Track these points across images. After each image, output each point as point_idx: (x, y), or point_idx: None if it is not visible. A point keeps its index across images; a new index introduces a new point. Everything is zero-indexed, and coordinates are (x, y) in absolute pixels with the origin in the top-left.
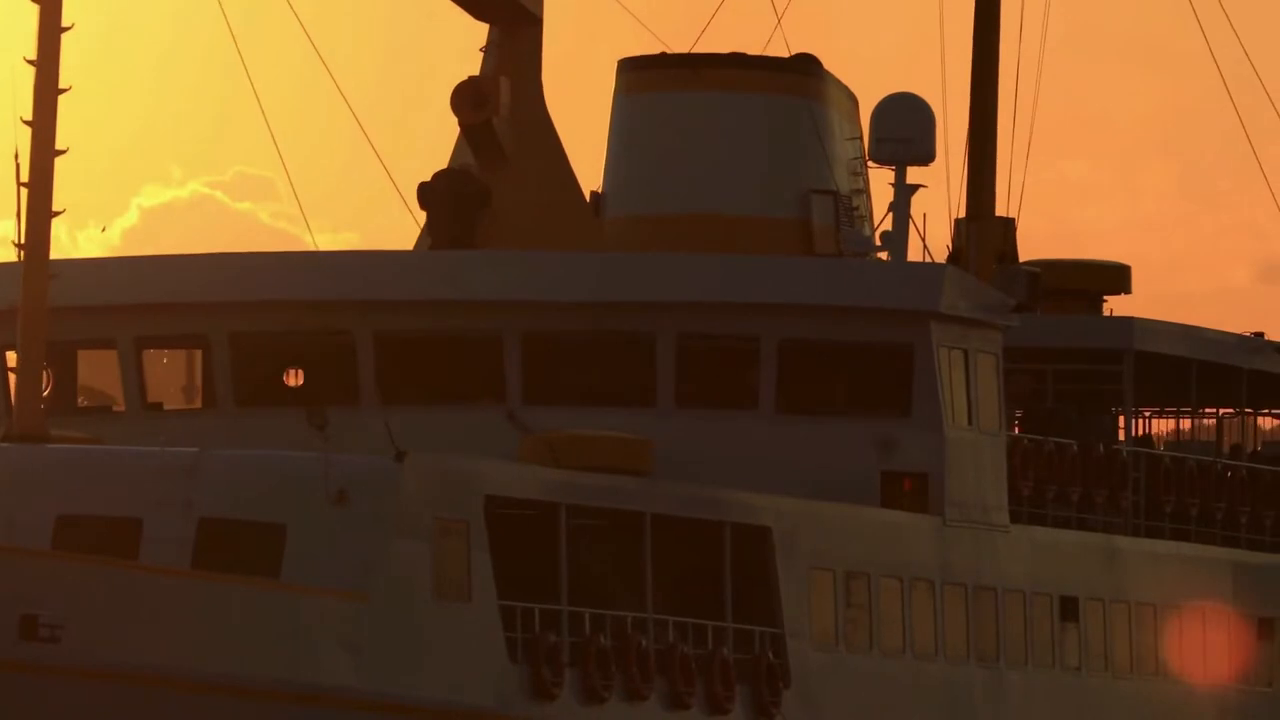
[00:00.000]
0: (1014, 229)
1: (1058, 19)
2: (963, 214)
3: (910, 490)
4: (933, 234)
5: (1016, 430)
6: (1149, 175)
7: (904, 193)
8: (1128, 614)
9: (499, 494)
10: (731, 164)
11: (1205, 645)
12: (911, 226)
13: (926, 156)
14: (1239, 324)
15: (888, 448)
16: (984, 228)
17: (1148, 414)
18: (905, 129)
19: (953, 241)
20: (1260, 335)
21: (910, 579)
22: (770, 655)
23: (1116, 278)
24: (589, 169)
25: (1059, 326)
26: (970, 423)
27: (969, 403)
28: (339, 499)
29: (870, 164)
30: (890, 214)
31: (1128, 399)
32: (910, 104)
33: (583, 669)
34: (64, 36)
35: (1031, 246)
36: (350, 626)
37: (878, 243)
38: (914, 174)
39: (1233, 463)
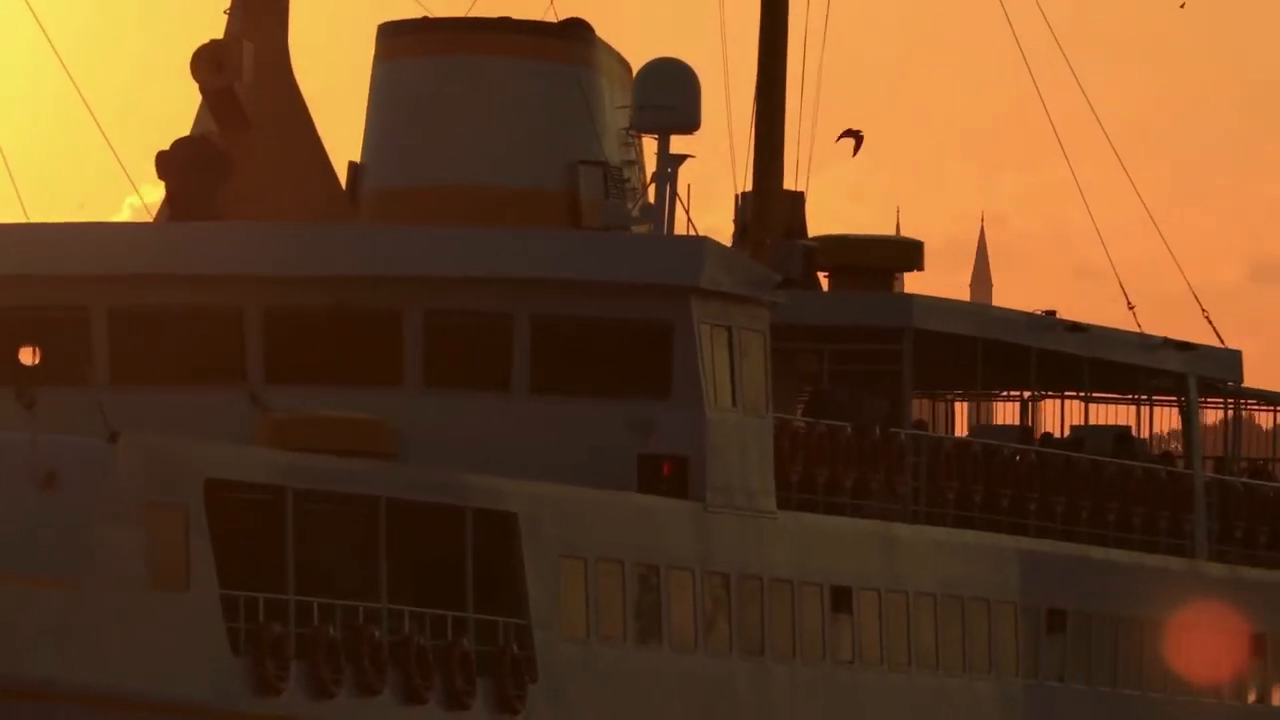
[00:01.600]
0: (802, 203)
1: (1052, 17)
2: (750, 188)
3: (669, 474)
4: (721, 208)
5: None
6: (1141, 175)
7: (667, 162)
8: (905, 605)
9: (222, 477)
10: (495, 134)
11: (990, 638)
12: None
13: (690, 124)
14: (1233, 323)
15: (645, 430)
16: (770, 202)
17: (951, 396)
18: (668, 96)
19: (738, 216)
20: (1052, 313)
21: (668, 567)
22: (515, 647)
23: (908, 254)
24: (349, 139)
25: (836, 304)
26: (734, 404)
27: (733, 382)
28: (47, 481)
29: (633, 132)
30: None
31: (907, 379)
32: (673, 69)
33: (310, 661)
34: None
35: (824, 220)
36: (58, 615)
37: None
38: (685, 144)
39: (1020, 447)
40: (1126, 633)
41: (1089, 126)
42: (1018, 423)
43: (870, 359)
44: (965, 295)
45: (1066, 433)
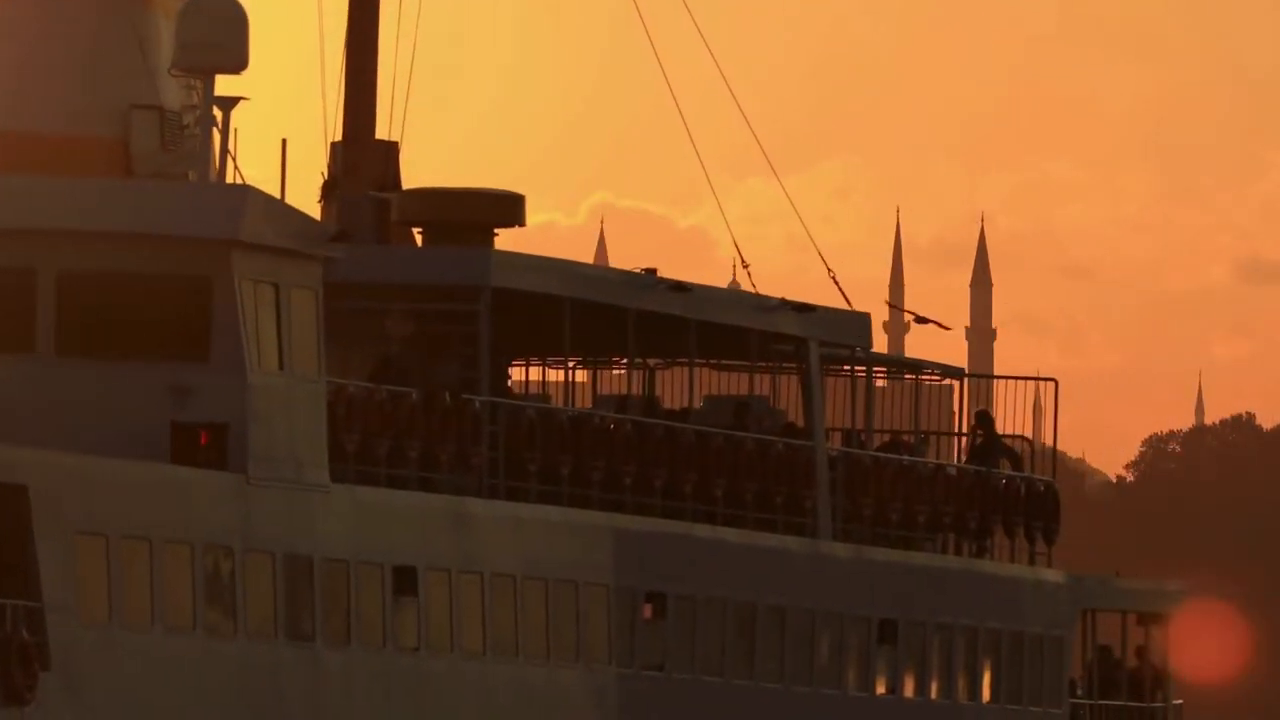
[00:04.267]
0: (396, 153)
1: (1039, 14)
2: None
3: (206, 444)
4: (309, 160)
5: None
6: (1131, 175)
7: (213, 105)
8: (480, 588)
9: None
10: (38, 76)
11: (579, 623)
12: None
13: (238, 64)
14: (1221, 324)
15: (181, 395)
16: (361, 153)
17: (573, 364)
18: (213, 33)
19: (329, 167)
20: (652, 271)
21: (204, 546)
22: (25, 633)
23: (506, 209)
24: None
25: (409, 260)
26: (281, 367)
27: (280, 344)
28: None
29: (175, 73)
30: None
31: (484, 341)
32: (219, 4)
33: None
34: None
35: (419, 173)
36: None
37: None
38: (237, 85)
39: (616, 416)
40: (737, 618)
41: (1079, 126)
42: (642, 392)
43: (444, 319)
44: (965, 297)
45: (698, 403)
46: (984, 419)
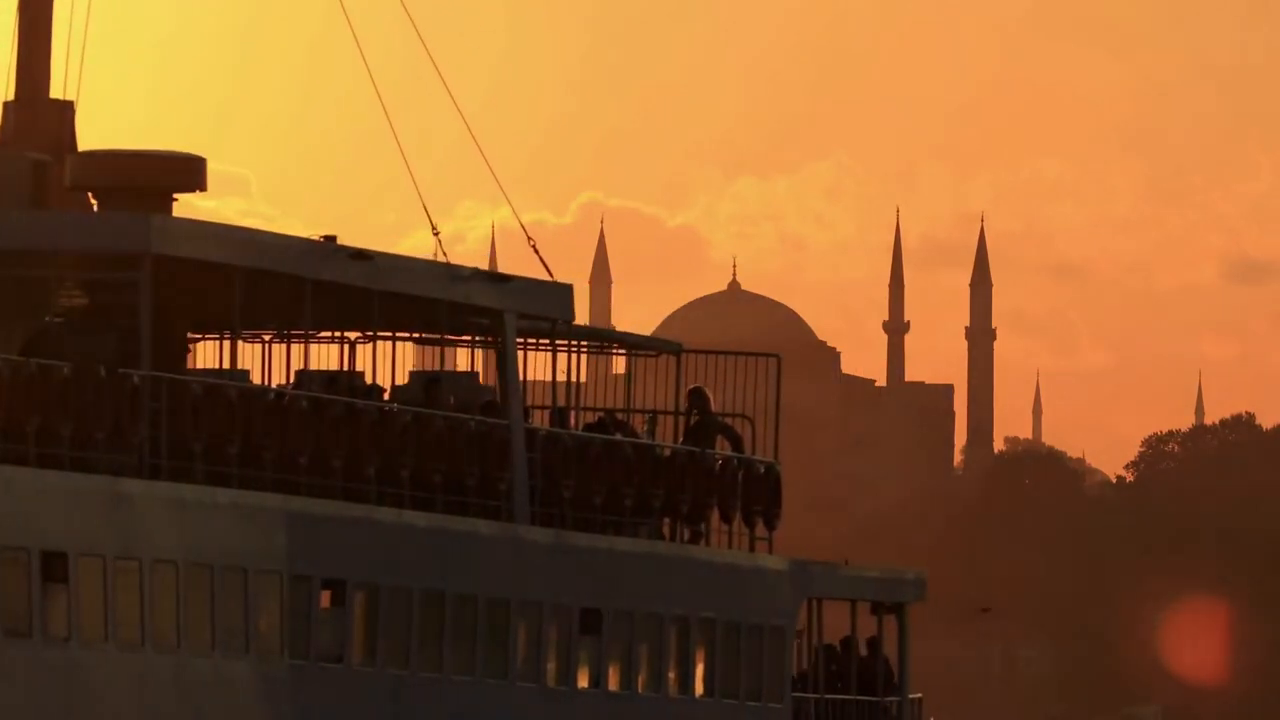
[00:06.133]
0: (73, 113)
1: (1031, 14)
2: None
3: None
4: None
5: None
6: (1122, 174)
7: None
8: (138, 574)
9: None
10: None
11: (248, 613)
12: None
13: None
14: (1213, 324)
15: None
16: (35, 113)
17: (270, 338)
18: None
19: (0, 129)
20: (332, 239)
21: None
22: None
23: (183, 172)
24: None
25: (64, 226)
26: None
27: None
28: None
29: None
30: None
31: (145, 313)
32: None
33: None
34: None
35: (98, 134)
36: None
37: None
38: None
39: (294, 392)
40: (424, 607)
41: (1070, 125)
42: (345, 367)
43: (105, 289)
44: (955, 295)
45: (401, 379)
46: (698, 396)
